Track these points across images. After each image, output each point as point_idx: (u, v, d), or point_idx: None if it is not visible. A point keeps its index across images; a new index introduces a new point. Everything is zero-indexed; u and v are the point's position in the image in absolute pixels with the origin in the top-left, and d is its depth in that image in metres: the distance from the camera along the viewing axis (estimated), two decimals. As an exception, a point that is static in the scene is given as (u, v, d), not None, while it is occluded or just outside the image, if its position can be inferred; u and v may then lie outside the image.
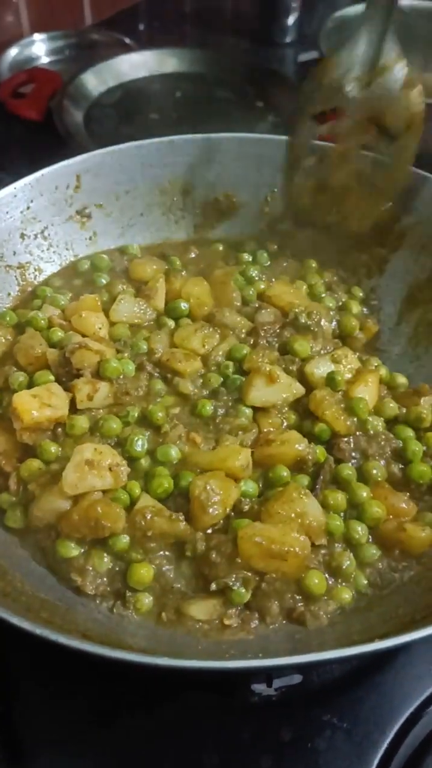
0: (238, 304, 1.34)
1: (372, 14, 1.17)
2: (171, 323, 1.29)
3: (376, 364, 1.28)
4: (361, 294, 1.44)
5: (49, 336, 1.20)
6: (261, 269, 1.44)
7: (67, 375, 1.13)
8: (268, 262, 1.48)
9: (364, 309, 1.42)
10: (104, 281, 1.38)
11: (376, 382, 1.21)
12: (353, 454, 1.12)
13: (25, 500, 1.06)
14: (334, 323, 1.33)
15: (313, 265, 1.47)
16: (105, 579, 1.01)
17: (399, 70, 1.16)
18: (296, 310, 1.29)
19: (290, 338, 1.24)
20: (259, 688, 1.02)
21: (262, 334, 1.25)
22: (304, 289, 1.40)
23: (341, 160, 1.31)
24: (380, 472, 1.11)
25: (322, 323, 1.27)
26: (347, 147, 1.29)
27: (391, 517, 1.06)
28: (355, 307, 1.39)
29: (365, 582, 1.03)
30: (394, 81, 1.16)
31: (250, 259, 1.47)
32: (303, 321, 1.26)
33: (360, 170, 1.32)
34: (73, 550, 1.00)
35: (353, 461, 1.12)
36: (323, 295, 1.40)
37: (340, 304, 1.40)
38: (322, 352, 1.24)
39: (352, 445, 1.13)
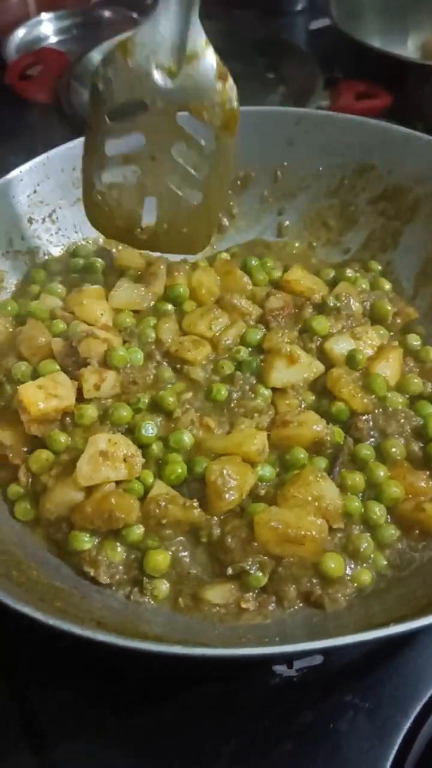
0: (250, 288, 1.31)
1: None
2: (170, 307, 1.26)
3: (416, 342, 1.26)
4: (379, 267, 1.41)
5: (53, 326, 1.19)
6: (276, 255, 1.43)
7: (73, 364, 1.11)
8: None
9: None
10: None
11: (398, 359, 1.18)
12: (371, 432, 1.10)
13: (34, 492, 1.05)
14: (367, 305, 1.29)
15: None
16: (120, 567, 1.00)
17: (210, 58, 1.00)
18: (321, 294, 1.26)
19: (310, 318, 1.22)
20: (280, 669, 1.01)
21: (272, 320, 1.23)
22: (329, 275, 1.37)
23: (151, 167, 1.13)
24: (399, 450, 1.09)
25: (351, 304, 1.24)
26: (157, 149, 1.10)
27: (410, 496, 1.04)
28: (387, 285, 1.36)
29: (385, 563, 1.01)
30: (205, 71, 1.00)
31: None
32: (332, 304, 1.23)
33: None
34: (86, 543, 1.00)
35: (371, 440, 1.10)
36: (349, 274, 1.35)
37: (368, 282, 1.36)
38: (343, 330, 1.21)
39: (370, 424, 1.11)
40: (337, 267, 1.40)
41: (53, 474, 1.03)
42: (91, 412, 1.07)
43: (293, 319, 1.24)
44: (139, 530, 0.99)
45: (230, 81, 1.02)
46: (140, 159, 1.12)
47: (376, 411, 1.12)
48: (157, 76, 1.01)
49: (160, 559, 0.99)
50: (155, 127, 1.06)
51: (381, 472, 1.06)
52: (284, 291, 1.29)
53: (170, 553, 1.00)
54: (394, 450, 1.08)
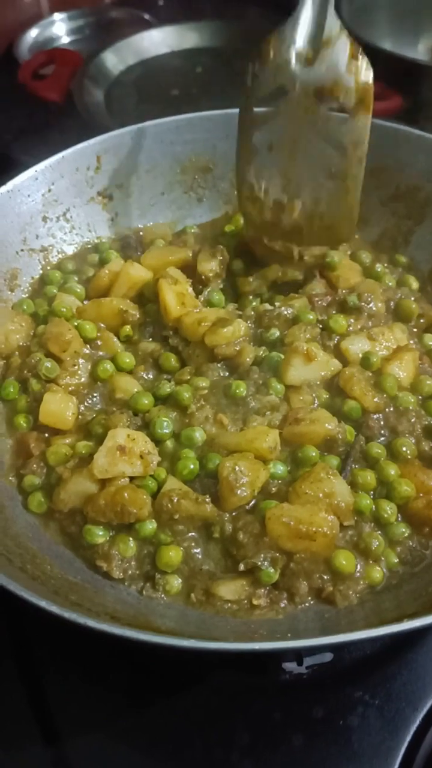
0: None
1: None
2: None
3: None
4: (404, 259, 1.41)
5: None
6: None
7: None
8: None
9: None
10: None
11: (413, 360, 1.18)
12: (382, 431, 1.11)
13: (48, 485, 1.07)
14: (392, 304, 1.29)
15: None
16: (133, 563, 1.01)
17: (343, 43, 1.09)
18: (344, 290, 1.27)
19: (329, 317, 1.22)
20: (290, 666, 1.02)
21: (313, 307, 1.25)
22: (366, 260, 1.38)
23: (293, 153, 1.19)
24: (410, 449, 1.09)
25: (371, 305, 1.24)
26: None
27: (420, 495, 1.05)
28: (414, 283, 1.36)
29: (396, 560, 1.02)
30: (339, 53, 1.09)
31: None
32: (352, 302, 1.24)
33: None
34: (99, 537, 1.01)
35: (382, 438, 1.11)
36: (378, 269, 1.36)
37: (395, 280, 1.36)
38: (361, 330, 1.21)
39: (381, 422, 1.11)
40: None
41: (69, 466, 1.05)
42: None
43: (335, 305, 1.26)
44: (151, 525, 1.00)
45: (363, 59, 1.10)
46: (283, 146, 1.19)
47: (387, 410, 1.12)
48: (295, 64, 1.11)
49: (173, 554, 1.00)
50: (295, 112, 1.14)
51: (392, 470, 1.06)
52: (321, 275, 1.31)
53: (182, 548, 1.01)
54: (404, 449, 1.09)
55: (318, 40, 1.10)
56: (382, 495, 1.06)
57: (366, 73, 1.10)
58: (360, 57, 1.09)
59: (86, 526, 1.01)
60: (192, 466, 1.04)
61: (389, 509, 1.04)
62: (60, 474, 1.05)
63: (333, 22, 1.09)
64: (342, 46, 1.10)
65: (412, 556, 1.02)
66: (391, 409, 1.13)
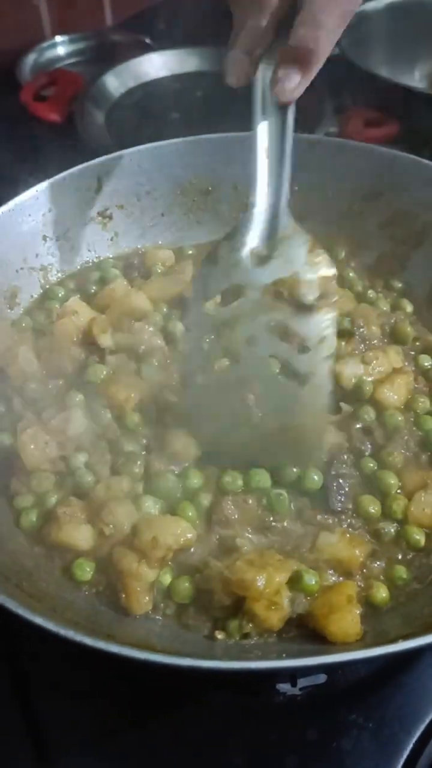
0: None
1: (265, 168, 1.00)
2: None
3: (427, 363, 1.27)
4: (400, 284, 1.42)
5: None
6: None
7: None
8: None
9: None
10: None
11: (405, 383, 1.19)
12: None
13: (40, 510, 1.07)
14: (387, 328, 1.30)
15: (342, 255, 1.46)
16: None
17: (300, 237, 1.00)
18: (347, 309, 1.28)
19: None
20: (284, 687, 1.02)
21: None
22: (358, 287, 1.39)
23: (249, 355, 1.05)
24: (398, 458, 1.11)
25: (363, 329, 1.25)
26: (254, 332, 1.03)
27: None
28: (409, 306, 1.37)
29: (405, 576, 1.02)
30: (297, 248, 0.99)
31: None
32: (345, 326, 1.24)
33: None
34: (87, 573, 0.99)
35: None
36: (371, 295, 1.37)
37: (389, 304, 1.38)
38: (355, 352, 1.22)
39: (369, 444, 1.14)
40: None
41: (63, 502, 1.05)
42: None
43: None
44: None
45: (322, 253, 1.01)
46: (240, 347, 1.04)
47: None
48: (250, 263, 1.01)
49: (186, 585, 0.99)
50: (252, 311, 1.02)
51: (391, 479, 1.09)
52: None
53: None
54: (391, 458, 1.11)
55: (273, 239, 1.01)
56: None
57: (328, 267, 0.99)
58: (319, 251, 1.00)
59: (77, 561, 1.00)
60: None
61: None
62: (51, 508, 1.05)
63: (287, 221, 1.01)
64: (299, 241, 1.00)
65: (421, 572, 1.03)
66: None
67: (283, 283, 1.00)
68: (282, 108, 0.96)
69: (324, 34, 0.89)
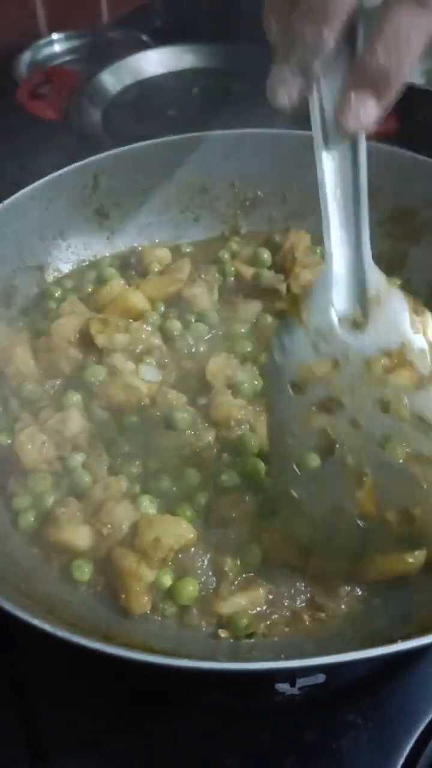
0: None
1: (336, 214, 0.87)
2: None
3: None
4: (399, 282, 1.40)
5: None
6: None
7: None
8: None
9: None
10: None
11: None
12: None
13: (37, 511, 1.06)
14: None
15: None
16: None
17: (397, 297, 0.86)
18: None
19: None
20: (283, 687, 1.01)
21: None
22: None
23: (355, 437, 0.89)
24: None
25: None
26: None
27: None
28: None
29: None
30: (397, 310, 0.85)
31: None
32: None
33: None
34: (86, 574, 0.99)
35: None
36: None
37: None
38: None
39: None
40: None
41: (61, 502, 1.04)
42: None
43: None
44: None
45: (427, 313, 0.86)
46: (340, 431, 0.89)
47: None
48: (342, 329, 0.86)
49: (191, 588, 0.98)
50: (352, 387, 0.87)
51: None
52: None
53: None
54: None
55: (364, 299, 0.86)
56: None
57: None
58: (423, 311, 0.86)
59: (75, 562, 0.99)
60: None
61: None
62: (50, 508, 1.04)
63: (376, 276, 0.86)
64: (397, 301, 0.86)
65: None
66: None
67: (392, 354, 0.85)
68: (351, 138, 0.83)
69: (407, 52, 0.75)
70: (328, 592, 0.99)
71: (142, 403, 1.14)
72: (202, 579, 1.00)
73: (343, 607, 0.99)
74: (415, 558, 0.96)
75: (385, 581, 0.98)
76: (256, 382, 1.18)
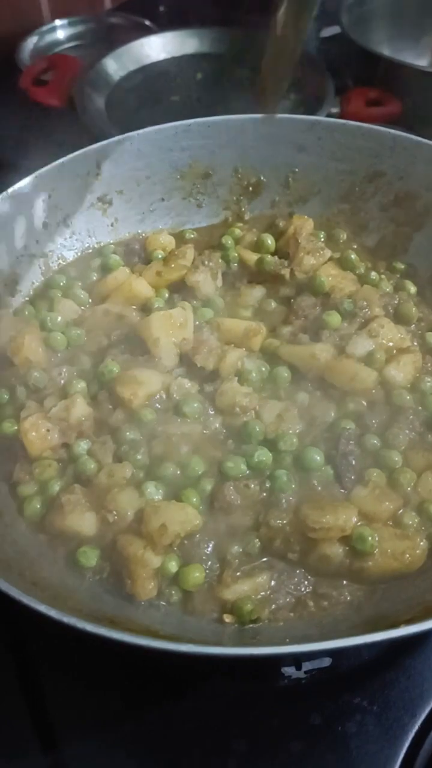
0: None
1: None
2: None
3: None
4: (402, 266, 1.41)
5: None
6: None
7: None
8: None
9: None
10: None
11: (412, 361, 1.18)
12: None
13: (43, 496, 1.06)
14: (390, 308, 1.28)
15: (344, 237, 1.45)
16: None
17: None
18: (338, 296, 1.26)
19: (324, 313, 1.22)
20: (289, 671, 1.02)
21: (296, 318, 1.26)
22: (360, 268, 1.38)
23: None
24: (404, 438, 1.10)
25: (366, 310, 1.24)
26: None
27: None
28: (412, 288, 1.35)
29: None
30: None
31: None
32: (347, 307, 1.23)
33: None
34: (92, 559, 0.99)
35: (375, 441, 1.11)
36: (373, 277, 1.35)
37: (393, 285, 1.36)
38: (359, 331, 1.20)
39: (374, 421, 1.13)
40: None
41: (67, 489, 1.05)
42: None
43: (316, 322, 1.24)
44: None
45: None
46: None
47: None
48: None
49: (197, 575, 0.98)
50: None
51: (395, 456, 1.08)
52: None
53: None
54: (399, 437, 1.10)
55: None
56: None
57: None
58: None
59: (81, 549, 0.99)
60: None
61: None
62: (54, 495, 1.05)
63: None
64: None
65: None
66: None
67: None
68: None
69: None
70: (330, 583, 0.99)
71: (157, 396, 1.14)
72: (207, 564, 1.00)
73: (346, 594, 0.99)
74: (415, 558, 0.99)
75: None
76: (263, 369, 1.18)
